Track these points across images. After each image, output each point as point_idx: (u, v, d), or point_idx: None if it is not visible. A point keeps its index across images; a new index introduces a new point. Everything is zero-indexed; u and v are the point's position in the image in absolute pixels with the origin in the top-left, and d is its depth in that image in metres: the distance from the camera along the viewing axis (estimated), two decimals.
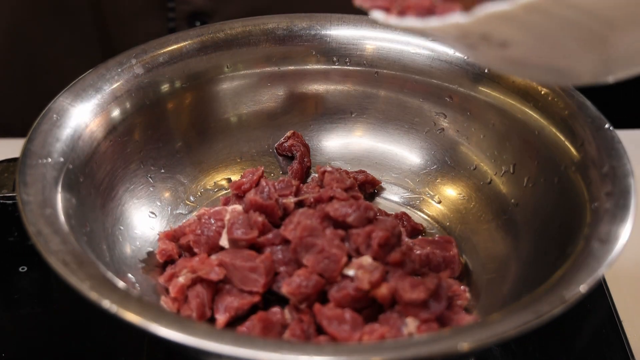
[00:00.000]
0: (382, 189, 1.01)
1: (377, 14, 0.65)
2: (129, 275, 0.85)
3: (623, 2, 0.55)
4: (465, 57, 0.96)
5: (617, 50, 0.60)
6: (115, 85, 0.93)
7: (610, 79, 0.66)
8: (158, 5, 1.23)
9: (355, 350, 0.65)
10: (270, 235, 0.84)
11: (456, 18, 0.59)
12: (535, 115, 0.91)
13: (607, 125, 0.86)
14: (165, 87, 0.97)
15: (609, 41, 0.59)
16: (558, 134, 0.88)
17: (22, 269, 1.00)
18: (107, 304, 0.67)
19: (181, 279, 0.82)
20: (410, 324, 0.77)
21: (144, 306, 0.68)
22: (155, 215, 0.94)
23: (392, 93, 1.01)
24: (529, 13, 0.56)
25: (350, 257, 0.81)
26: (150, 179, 0.96)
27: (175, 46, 0.99)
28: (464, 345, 0.65)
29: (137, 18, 1.24)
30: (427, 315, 0.78)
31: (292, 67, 1.03)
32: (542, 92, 0.92)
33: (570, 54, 0.61)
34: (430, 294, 0.78)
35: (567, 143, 0.87)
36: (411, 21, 0.62)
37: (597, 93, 0.96)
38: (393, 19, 0.64)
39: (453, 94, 0.99)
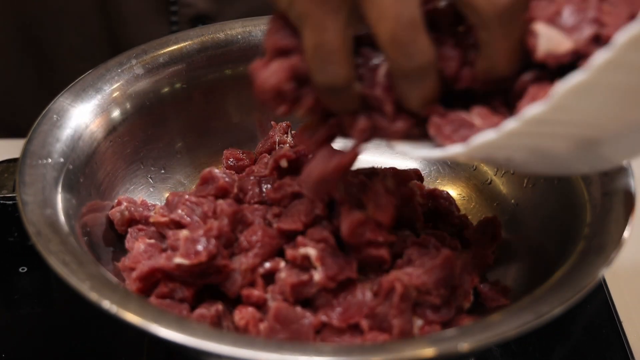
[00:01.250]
0: None
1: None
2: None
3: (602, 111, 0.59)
4: None
5: (614, 143, 0.64)
6: (115, 86, 0.93)
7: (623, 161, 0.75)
8: (161, 9, 1.24)
9: (355, 351, 0.65)
10: None
11: (455, 149, 0.65)
12: None
13: None
14: (165, 88, 0.97)
15: (603, 138, 0.63)
16: None
17: (22, 269, 1.00)
18: (107, 304, 0.67)
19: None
20: (414, 324, 0.77)
21: (144, 306, 0.68)
22: None
23: None
24: (512, 137, 0.61)
25: None
26: (150, 180, 0.96)
27: (175, 46, 0.99)
28: (464, 345, 0.65)
29: (140, 21, 1.25)
30: (434, 317, 0.78)
31: None
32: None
33: (570, 155, 0.65)
34: (444, 301, 0.78)
35: None
36: (418, 152, 0.70)
37: None
38: (404, 148, 0.71)
39: None
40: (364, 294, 0.77)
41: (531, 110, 0.59)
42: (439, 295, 0.77)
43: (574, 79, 0.56)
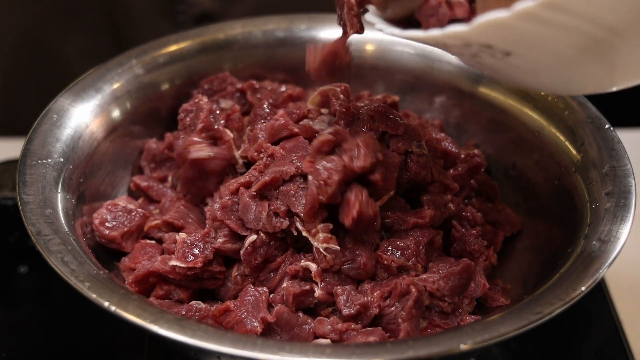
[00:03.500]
0: None
1: (376, 22, 0.68)
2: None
3: (626, 9, 0.55)
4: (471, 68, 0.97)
5: (624, 57, 0.60)
6: (115, 86, 0.93)
7: (614, 88, 0.66)
8: (166, 8, 1.24)
9: (355, 352, 0.65)
10: None
11: (457, 27, 0.60)
12: (535, 115, 0.91)
13: (607, 126, 0.86)
14: (165, 87, 0.97)
15: (615, 48, 0.59)
16: (558, 134, 0.88)
17: (22, 269, 1.00)
18: (106, 304, 0.67)
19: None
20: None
21: (143, 306, 0.68)
22: None
23: (391, 94, 1.00)
24: (525, 20, 0.56)
25: None
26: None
27: (175, 47, 0.99)
28: (464, 346, 0.65)
29: (146, 21, 1.25)
30: (440, 322, 0.78)
31: (292, 68, 1.03)
32: (542, 92, 0.92)
33: (575, 61, 0.61)
34: (453, 309, 0.79)
35: (567, 143, 0.87)
36: (412, 32, 0.64)
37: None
38: (394, 30, 0.66)
39: (453, 95, 0.99)
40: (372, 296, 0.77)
41: None
42: (452, 302, 0.78)
43: None
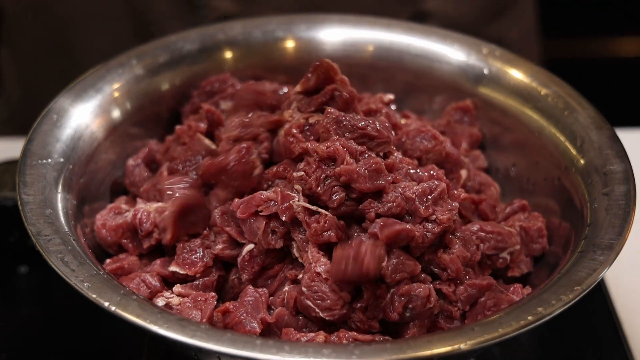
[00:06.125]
0: None
1: None
2: None
3: None
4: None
5: None
6: (115, 86, 0.93)
7: None
8: (187, 11, 1.25)
9: (355, 352, 0.65)
10: None
11: None
12: (535, 115, 0.91)
13: (607, 126, 0.86)
14: (165, 88, 0.97)
15: None
16: (558, 134, 0.88)
17: (22, 269, 1.00)
18: (106, 304, 0.67)
19: None
20: None
21: (144, 306, 0.68)
22: None
23: (391, 94, 1.01)
24: None
25: None
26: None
27: (175, 47, 0.99)
28: (464, 346, 0.65)
29: (167, 24, 1.26)
30: (444, 326, 0.78)
31: (292, 68, 1.03)
32: (542, 93, 0.92)
33: None
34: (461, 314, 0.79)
35: (567, 143, 0.87)
36: None
37: (597, 93, 0.97)
38: None
39: (453, 95, 0.99)
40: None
41: None
42: (463, 309, 0.78)
43: None
